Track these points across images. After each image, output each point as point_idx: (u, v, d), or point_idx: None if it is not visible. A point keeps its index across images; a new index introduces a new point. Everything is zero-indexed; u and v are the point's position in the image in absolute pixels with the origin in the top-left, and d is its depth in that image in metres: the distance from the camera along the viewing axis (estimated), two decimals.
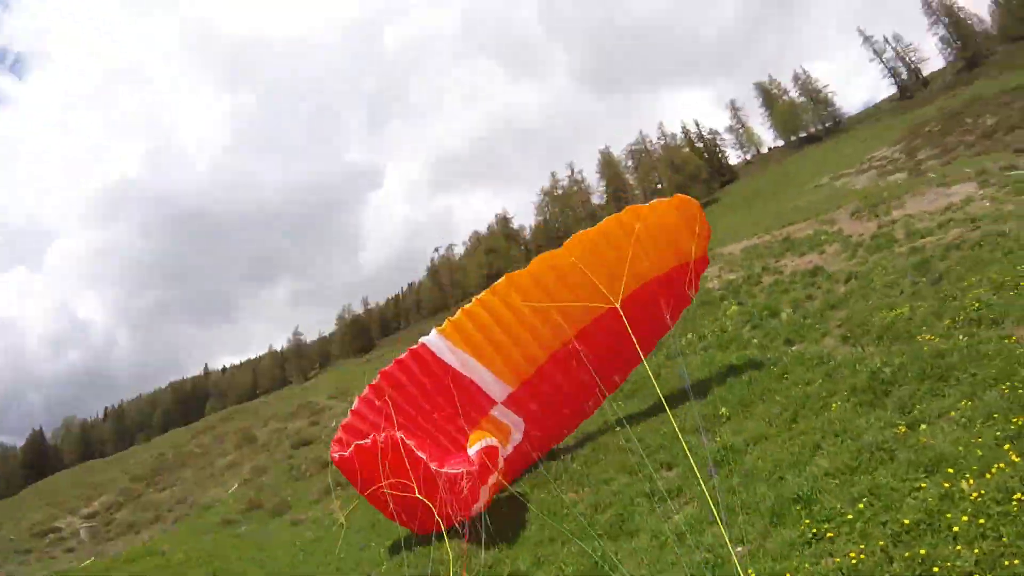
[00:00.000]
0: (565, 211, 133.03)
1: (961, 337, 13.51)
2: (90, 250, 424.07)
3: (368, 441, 14.18)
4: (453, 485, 13.03)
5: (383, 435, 13.98)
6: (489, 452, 14.37)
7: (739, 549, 8.79)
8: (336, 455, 15.16)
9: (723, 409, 14.87)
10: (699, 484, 11.26)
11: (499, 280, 15.95)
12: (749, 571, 7.89)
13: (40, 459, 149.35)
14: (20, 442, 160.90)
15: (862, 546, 7.66)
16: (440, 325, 15.88)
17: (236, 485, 39.15)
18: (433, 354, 15.72)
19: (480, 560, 11.84)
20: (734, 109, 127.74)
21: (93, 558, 31.62)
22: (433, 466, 13.23)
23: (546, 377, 16.46)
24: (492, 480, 14.13)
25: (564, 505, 13.09)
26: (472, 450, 14.45)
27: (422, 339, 15.99)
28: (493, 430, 15.90)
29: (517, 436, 16.63)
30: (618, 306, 13.43)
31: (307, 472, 34.92)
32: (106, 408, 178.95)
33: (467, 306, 15.99)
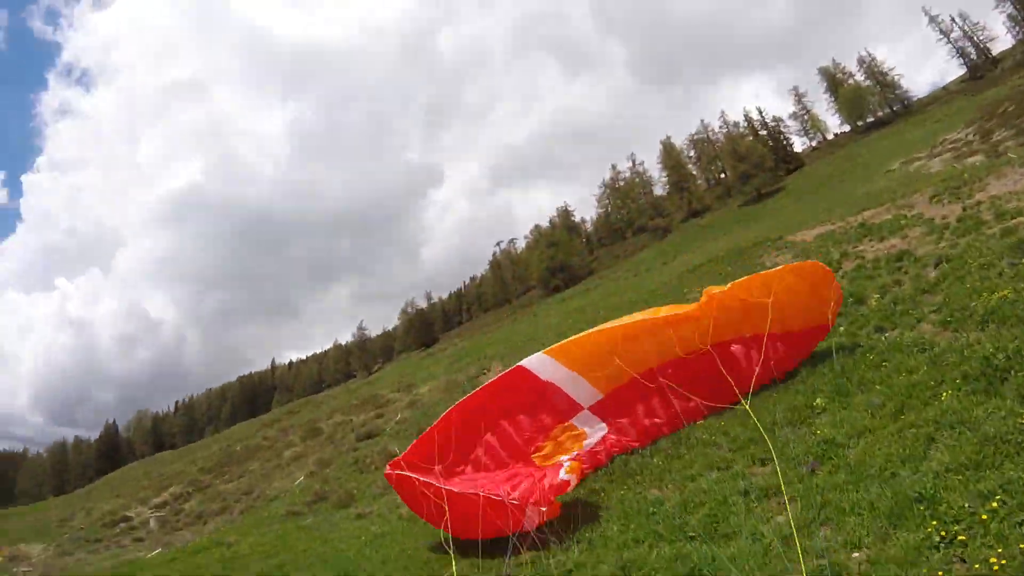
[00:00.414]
0: (627, 202, 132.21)
1: None
2: (159, 254, 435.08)
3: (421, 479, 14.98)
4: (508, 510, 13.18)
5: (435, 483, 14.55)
6: (559, 486, 14.04)
7: (855, 555, 7.90)
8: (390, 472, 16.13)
9: (817, 400, 13.85)
10: (800, 481, 10.42)
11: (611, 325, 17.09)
12: None
13: (113, 451, 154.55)
14: (95, 436, 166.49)
15: (1000, 550, 6.75)
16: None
17: (302, 477, 39.15)
18: (525, 370, 16.80)
19: (557, 563, 11.15)
20: (798, 95, 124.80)
21: (160, 548, 31.82)
22: (506, 492, 13.53)
23: (636, 388, 16.62)
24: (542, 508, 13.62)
25: (648, 503, 12.27)
26: (558, 477, 14.22)
27: (520, 362, 17.20)
28: (566, 438, 16.57)
29: (592, 440, 16.68)
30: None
31: (372, 465, 34.61)
32: (176, 402, 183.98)
33: (576, 336, 17.30)
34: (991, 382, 10.96)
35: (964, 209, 28.19)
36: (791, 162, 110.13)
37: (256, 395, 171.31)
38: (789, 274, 16.55)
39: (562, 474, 14.06)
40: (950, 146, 60.95)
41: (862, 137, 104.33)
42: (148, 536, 38.51)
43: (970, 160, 49.83)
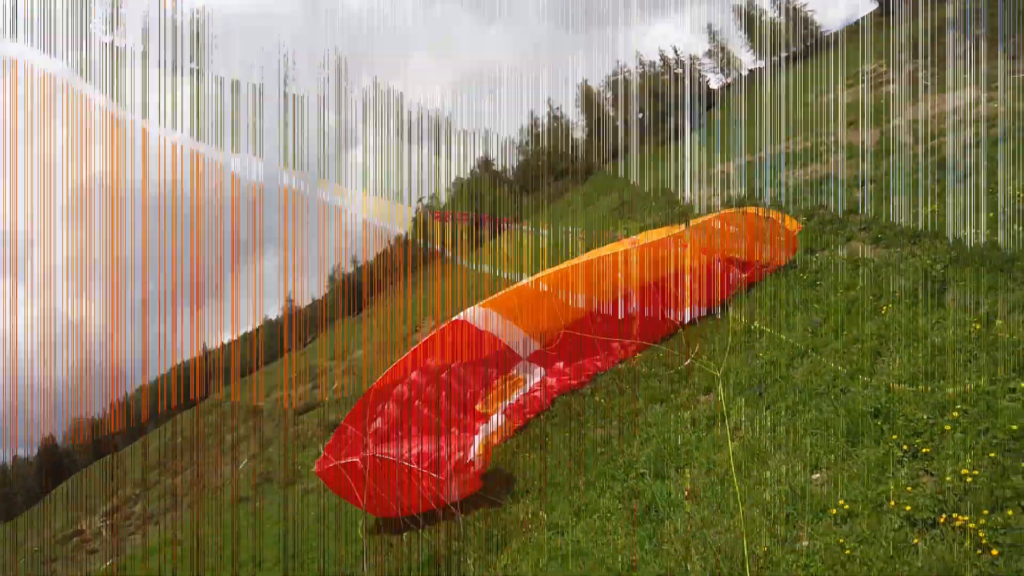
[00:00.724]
0: (547, 148, 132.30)
1: (1017, 228, 12.30)
2: (70, 252, 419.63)
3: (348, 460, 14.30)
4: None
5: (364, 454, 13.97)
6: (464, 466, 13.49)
7: (815, 475, 7.60)
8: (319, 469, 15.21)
9: (755, 323, 13.58)
10: (747, 406, 10.13)
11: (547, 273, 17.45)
12: (840, 501, 6.70)
13: (56, 464, 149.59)
14: (34, 453, 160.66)
15: (968, 460, 6.51)
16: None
17: (246, 460, 38.28)
18: (464, 323, 16.33)
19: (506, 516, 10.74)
20: (711, 33, 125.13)
21: (112, 559, 30.94)
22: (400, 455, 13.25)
23: (574, 332, 16.61)
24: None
25: (594, 444, 11.86)
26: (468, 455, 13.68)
27: (458, 315, 16.71)
28: (507, 386, 16.26)
29: (530, 384, 16.46)
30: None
31: (313, 438, 33.94)
32: (112, 402, 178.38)
33: (514, 286, 17.40)
34: (932, 293, 10.86)
35: (883, 134, 28.38)
36: (708, 99, 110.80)
37: (192, 383, 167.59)
38: (756, 217, 17.24)
39: (471, 453, 13.63)
40: (864, 78, 61.87)
41: (778, 72, 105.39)
42: (102, 546, 37.42)
43: (885, 89, 50.57)
